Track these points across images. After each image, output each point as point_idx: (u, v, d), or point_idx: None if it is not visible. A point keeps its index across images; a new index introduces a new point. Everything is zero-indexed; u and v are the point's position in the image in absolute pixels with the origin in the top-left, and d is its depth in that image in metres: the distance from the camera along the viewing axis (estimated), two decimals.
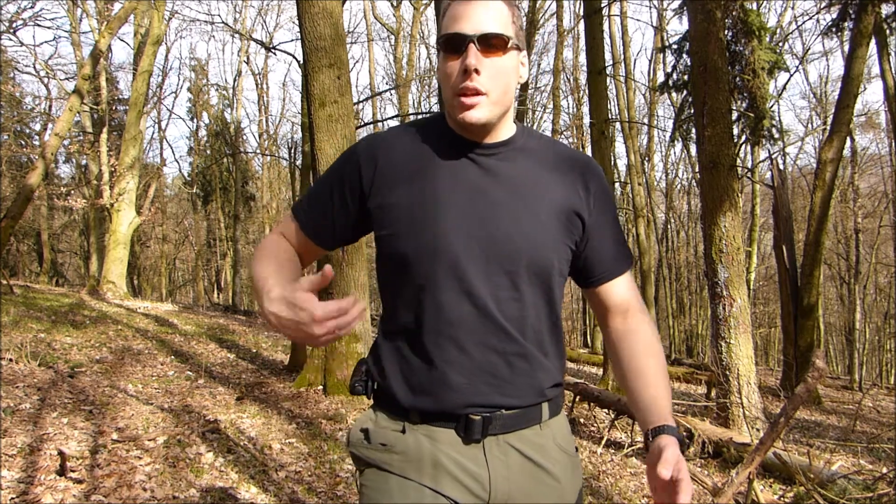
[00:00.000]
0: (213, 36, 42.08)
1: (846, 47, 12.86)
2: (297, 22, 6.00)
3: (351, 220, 1.16)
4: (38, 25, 26.89)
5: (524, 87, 17.39)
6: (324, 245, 1.21)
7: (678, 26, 46.26)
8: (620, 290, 1.21)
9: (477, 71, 1.03)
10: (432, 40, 21.38)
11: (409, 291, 1.09)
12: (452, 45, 1.06)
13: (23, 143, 19.54)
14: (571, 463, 1.17)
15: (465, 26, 1.05)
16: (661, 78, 16.77)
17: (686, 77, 9.61)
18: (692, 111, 7.75)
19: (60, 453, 3.26)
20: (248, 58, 25.06)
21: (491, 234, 1.06)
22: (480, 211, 1.07)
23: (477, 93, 1.04)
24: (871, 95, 55.91)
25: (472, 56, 1.03)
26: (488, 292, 1.06)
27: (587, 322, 21.73)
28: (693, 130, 8.87)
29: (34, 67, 17.75)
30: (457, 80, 1.05)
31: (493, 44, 1.05)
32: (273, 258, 1.13)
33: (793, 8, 31.30)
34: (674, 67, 10.08)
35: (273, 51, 19.19)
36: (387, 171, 1.11)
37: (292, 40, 29.49)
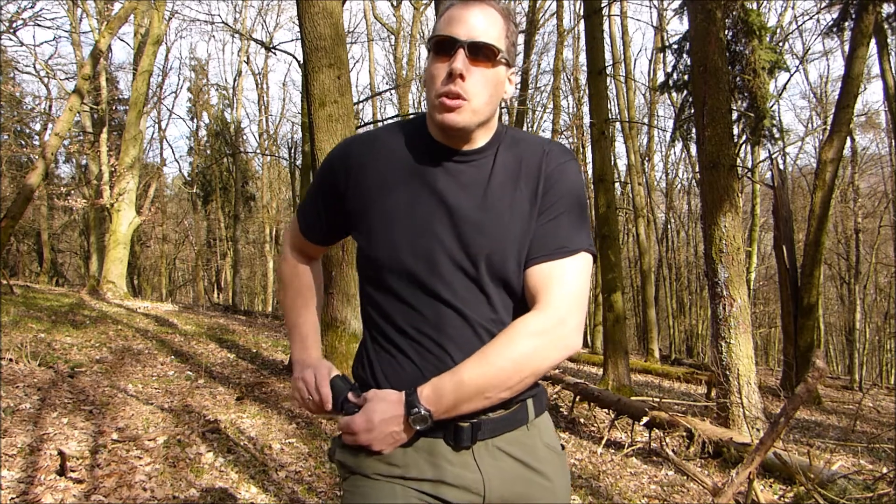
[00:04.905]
0: (213, 36, 42.06)
1: (846, 47, 12.87)
2: (297, 22, 6.00)
3: (338, 221, 1.22)
4: (38, 25, 26.94)
5: (524, 87, 17.39)
6: (322, 245, 1.32)
7: (678, 26, 46.30)
8: (544, 274, 1.08)
9: (462, 76, 1.05)
10: None
11: (388, 297, 1.11)
12: (442, 47, 1.07)
13: (23, 143, 19.56)
14: (559, 461, 1.18)
15: (458, 30, 1.06)
16: (661, 78, 16.77)
17: (686, 77, 9.62)
18: (692, 111, 7.76)
19: (60, 453, 3.25)
20: (248, 58, 25.08)
21: (456, 241, 1.08)
22: (446, 219, 1.09)
23: (459, 97, 1.05)
24: (871, 95, 56.01)
25: (460, 61, 1.05)
26: (460, 297, 1.08)
27: (587, 322, 21.72)
28: (693, 130, 8.88)
29: (34, 67, 17.78)
30: (441, 82, 1.07)
31: (482, 53, 1.06)
32: (298, 295, 1.31)
33: (793, 8, 31.32)
34: (674, 67, 10.09)
35: (273, 51, 19.21)
36: (362, 178, 1.14)
37: (292, 40, 29.54)
